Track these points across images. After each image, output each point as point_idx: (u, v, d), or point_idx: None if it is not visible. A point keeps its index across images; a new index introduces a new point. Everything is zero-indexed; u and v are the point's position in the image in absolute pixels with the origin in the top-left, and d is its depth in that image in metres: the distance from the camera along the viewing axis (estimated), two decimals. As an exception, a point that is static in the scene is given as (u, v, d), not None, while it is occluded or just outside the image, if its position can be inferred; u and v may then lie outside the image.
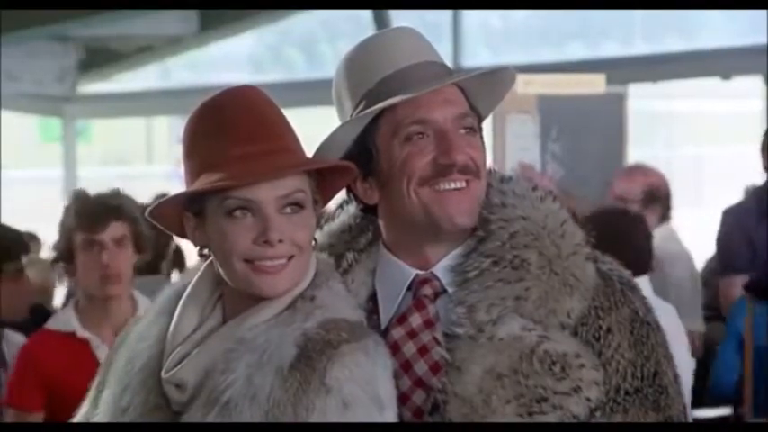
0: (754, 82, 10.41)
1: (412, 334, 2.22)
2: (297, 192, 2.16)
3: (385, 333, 2.24)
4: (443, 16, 11.77)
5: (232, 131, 2.15)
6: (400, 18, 11.67)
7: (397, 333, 2.23)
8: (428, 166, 2.21)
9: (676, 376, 2.28)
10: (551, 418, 2.13)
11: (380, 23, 11.53)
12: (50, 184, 12.91)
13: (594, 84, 8.90)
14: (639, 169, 7.18)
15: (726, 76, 10.88)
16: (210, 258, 2.23)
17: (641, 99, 10.79)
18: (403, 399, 2.18)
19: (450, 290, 2.25)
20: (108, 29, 11.60)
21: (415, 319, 2.23)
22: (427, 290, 2.25)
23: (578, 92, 8.74)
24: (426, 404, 2.19)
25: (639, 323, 2.25)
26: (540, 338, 2.18)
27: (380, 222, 2.31)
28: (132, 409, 2.19)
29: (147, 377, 2.21)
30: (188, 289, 2.25)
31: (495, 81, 2.33)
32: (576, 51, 11.86)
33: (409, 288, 2.27)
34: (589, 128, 8.61)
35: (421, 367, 2.20)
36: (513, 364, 2.16)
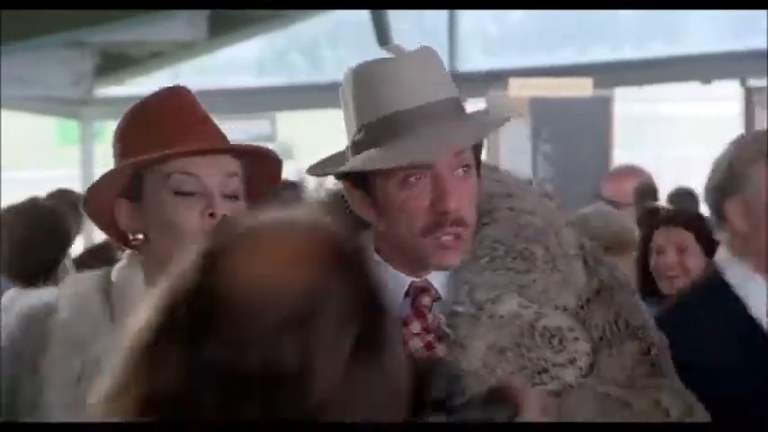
0: (733, 86, 10.44)
1: (416, 335, 2.23)
2: (235, 175, 2.10)
3: None
4: (440, 21, 11.79)
5: (176, 116, 2.10)
6: (398, 19, 11.67)
7: (403, 333, 2.21)
8: (426, 215, 2.15)
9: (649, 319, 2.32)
10: (550, 388, 2.16)
11: (379, 25, 11.54)
12: (69, 183, 12.94)
13: (583, 87, 8.95)
14: (626, 170, 7.17)
15: (706, 80, 10.92)
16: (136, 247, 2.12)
17: (627, 102, 10.81)
18: None
19: (442, 295, 2.23)
20: (122, 35, 11.64)
21: (415, 327, 2.23)
22: (426, 300, 2.24)
23: (568, 95, 8.79)
24: None
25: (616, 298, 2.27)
26: (536, 314, 2.20)
27: (374, 231, 2.24)
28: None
29: None
30: (136, 284, 2.11)
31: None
32: (567, 56, 11.88)
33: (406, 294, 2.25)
34: (578, 129, 8.66)
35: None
36: (516, 339, 2.18)
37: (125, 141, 2.13)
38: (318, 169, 2.26)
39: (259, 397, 1.18)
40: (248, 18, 12.16)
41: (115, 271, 2.13)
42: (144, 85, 13.33)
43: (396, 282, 2.22)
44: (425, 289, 2.24)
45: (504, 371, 2.16)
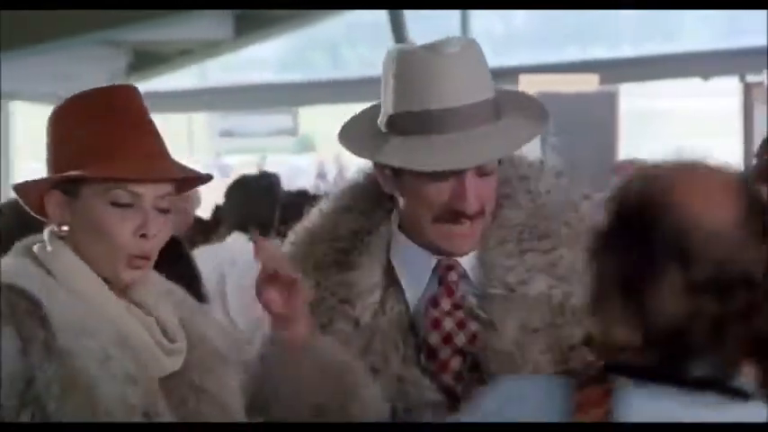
0: (732, 82, 10.55)
1: (448, 313, 2.27)
2: (170, 193, 2.08)
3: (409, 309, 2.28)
4: (453, 21, 12.01)
5: (122, 124, 2.07)
6: (412, 20, 11.88)
7: (436, 312, 2.27)
8: (443, 208, 2.20)
9: None
10: (574, 364, 2.19)
11: (396, 25, 11.74)
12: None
13: (589, 83, 9.21)
14: (631, 163, 7.39)
15: (706, 76, 11.06)
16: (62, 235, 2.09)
17: (632, 97, 11.02)
18: (443, 366, 2.25)
19: (471, 275, 2.27)
20: (153, 34, 11.87)
21: (446, 303, 2.27)
22: (453, 276, 2.27)
23: (575, 90, 9.04)
24: (464, 367, 2.24)
25: None
26: (565, 294, 2.23)
27: (399, 210, 2.29)
28: None
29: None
30: (73, 260, 2.08)
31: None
32: (571, 53, 12.05)
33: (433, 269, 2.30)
34: (585, 123, 8.90)
35: (461, 339, 2.25)
36: (546, 318, 2.22)
37: (63, 146, 2.06)
38: (353, 143, 2.26)
39: (742, 304, 1.41)
40: (272, 18, 12.41)
41: (42, 252, 2.06)
42: (173, 81, 13.64)
43: (422, 259, 2.28)
44: (452, 266, 2.28)
45: (535, 350, 2.19)
